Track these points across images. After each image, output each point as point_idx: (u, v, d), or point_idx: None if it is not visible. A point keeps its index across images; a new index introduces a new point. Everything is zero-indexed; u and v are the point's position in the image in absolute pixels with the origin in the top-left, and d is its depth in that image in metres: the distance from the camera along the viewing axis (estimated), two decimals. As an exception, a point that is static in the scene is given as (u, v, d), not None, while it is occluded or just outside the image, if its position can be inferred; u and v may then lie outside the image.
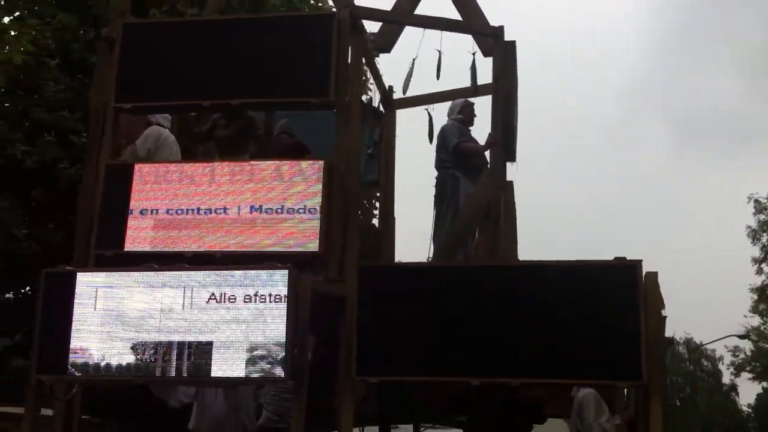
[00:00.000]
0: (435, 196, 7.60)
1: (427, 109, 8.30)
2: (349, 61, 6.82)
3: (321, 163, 6.55)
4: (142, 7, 12.71)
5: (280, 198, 6.50)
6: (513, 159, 7.79)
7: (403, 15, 7.37)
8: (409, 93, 7.94)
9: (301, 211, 6.44)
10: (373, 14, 7.02)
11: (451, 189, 7.39)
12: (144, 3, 12.90)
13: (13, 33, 5.14)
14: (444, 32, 7.25)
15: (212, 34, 6.96)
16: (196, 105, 6.97)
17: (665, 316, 6.50)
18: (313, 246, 6.36)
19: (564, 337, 5.53)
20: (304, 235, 6.41)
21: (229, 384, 6.05)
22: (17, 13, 13.53)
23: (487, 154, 7.45)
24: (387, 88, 8.42)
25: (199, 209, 6.57)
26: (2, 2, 13.19)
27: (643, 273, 5.60)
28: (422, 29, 7.27)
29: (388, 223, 8.26)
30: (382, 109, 8.03)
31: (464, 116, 7.68)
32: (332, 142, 8.13)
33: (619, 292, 5.55)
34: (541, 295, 5.66)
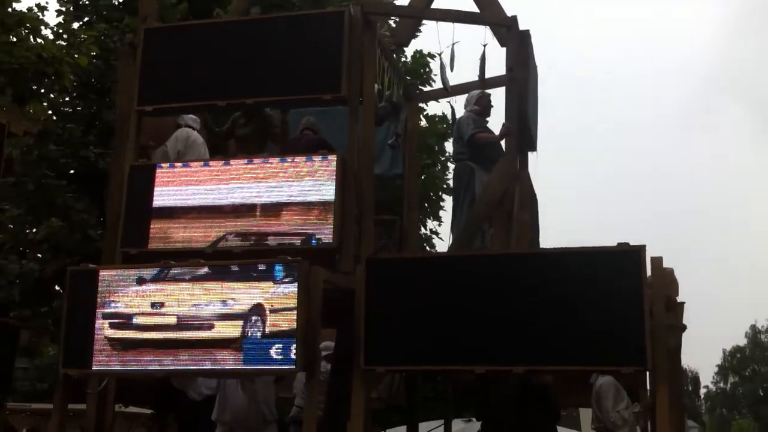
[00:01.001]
0: (453, 187, 7.70)
1: (449, 102, 8.42)
2: (363, 56, 6.98)
3: (334, 157, 6.71)
4: (207, 8, 13.11)
5: (294, 193, 6.69)
6: (533, 148, 7.86)
7: (415, 9, 7.48)
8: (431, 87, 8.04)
9: (315, 205, 6.62)
10: (385, 9, 7.12)
11: (467, 180, 7.47)
12: (208, 4, 13.31)
13: (83, 37, 5.49)
14: (466, 24, 7.35)
15: (227, 35, 7.19)
16: (213, 105, 7.19)
17: (682, 302, 6.53)
18: (328, 240, 6.54)
19: (568, 324, 5.59)
20: (319, 229, 6.59)
21: (242, 375, 6.27)
22: (86, 18, 14.14)
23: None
24: (408, 81, 8.56)
25: (216, 206, 6.80)
26: (71, 8, 13.77)
27: (648, 259, 5.62)
28: (437, 22, 7.37)
29: (411, 215, 8.38)
30: (401, 102, 8.13)
31: (480, 107, 7.76)
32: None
33: (623, 277, 5.58)
34: (545, 282, 5.73)
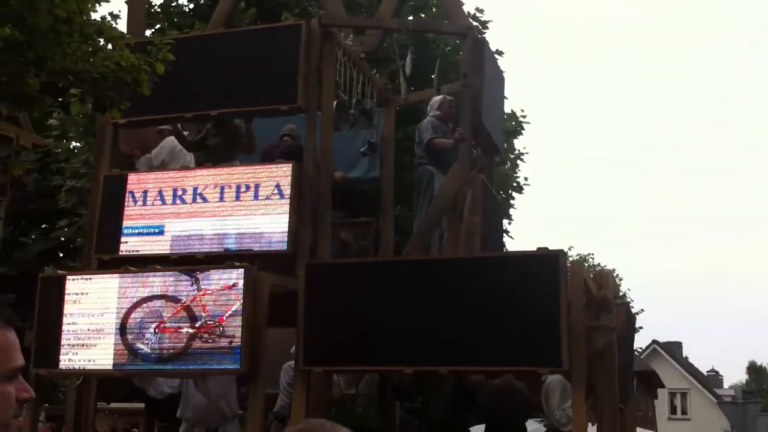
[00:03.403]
0: (414, 191, 8.07)
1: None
2: (321, 67, 7.42)
3: (289, 166, 7.17)
4: (275, 12, 13.67)
5: (253, 200, 7.17)
6: (496, 152, 8.19)
7: (373, 20, 7.88)
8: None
9: (271, 211, 7.09)
10: (343, 21, 7.53)
11: (426, 184, 7.84)
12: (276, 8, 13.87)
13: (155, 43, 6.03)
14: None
15: (193, 49, 7.68)
16: (181, 117, 7.71)
17: (624, 303, 6.80)
18: (282, 245, 7.01)
19: (491, 326, 5.94)
20: (274, 234, 7.06)
21: (189, 375, 6.80)
22: (158, 26, 14.91)
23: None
24: (384, 87, 8.94)
25: (182, 212, 7.33)
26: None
27: (567, 262, 5.93)
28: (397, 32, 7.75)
29: (386, 218, 8.78)
30: (374, 108, 8.53)
31: (442, 112, 8.10)
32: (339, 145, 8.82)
33: (542, 281, 5.89)
34: (469, 287, 6.08)
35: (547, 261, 5.93)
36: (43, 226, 18.52)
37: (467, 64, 7.46)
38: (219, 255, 7.13)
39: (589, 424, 6.93)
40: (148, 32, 14.10)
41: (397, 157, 9.42)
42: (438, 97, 8.23)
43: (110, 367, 6.66)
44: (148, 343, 6.63)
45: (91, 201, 7.88)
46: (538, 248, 6.02)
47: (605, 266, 32.59)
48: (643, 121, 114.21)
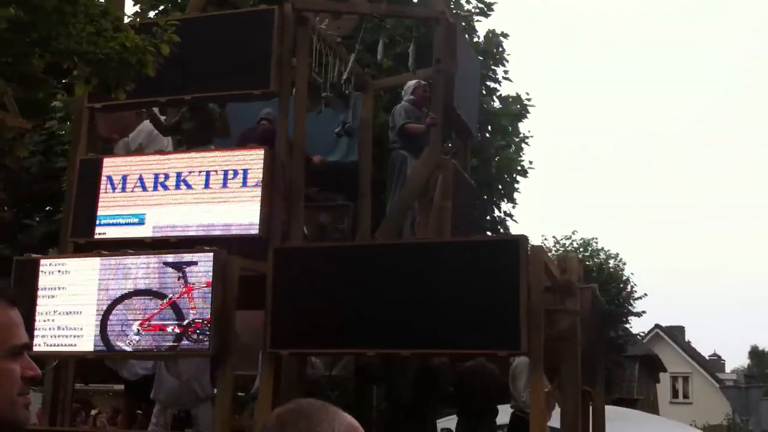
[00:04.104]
0: (388, 175, 8.20)
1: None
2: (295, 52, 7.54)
3: (261, 151, 7.31)
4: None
5: (225, 184, 7.31)
6: (469, 135, 8.31)
7: (346, 5, 7.99)
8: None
9: (244, 196, 7.23)
10: (314, 5, 7.64)
11: (399, 168, 7.97)
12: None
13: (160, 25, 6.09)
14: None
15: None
16: (155, 102, 7.84)
17: (589, 287, 6.94)
18: (255, 230, 7.15)
19: (452, 310, 6.07)
20: (246, 219, 7.20)
21: (160, 357, 6.96)
22: (161, 7, 15.02)
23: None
24: (362, 71, 9.06)
25: (155, 196, 7.47)
26: None
27: (528, 248, 6.06)
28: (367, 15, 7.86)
29: (363, 201, 8.91)
30: (351, 92, 8.64)
31: (416, 97, 8.21)
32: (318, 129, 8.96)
33: (503, 266, 6.03)
34: (432, 271, 6.22)
35: (508, 246, 6.07)
36: (48, 208, 18.68)
37: (440, 50, 7.58)
38: (193, 239, 7.28)
39: (556, 406, 7.11)
40: (151, 13, 14.24)
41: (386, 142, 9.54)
42: (412, 82, 8.34)
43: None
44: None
45: (69, 185, 8.01)
46: (501, 233, 6.14)
47: (609, 251, 32.73)
48: (647, 109, 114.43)
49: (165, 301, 6.76)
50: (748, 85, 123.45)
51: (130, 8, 15.28)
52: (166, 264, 6.84)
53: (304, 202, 9.02)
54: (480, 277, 6.07)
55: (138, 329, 6.77)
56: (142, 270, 6.90)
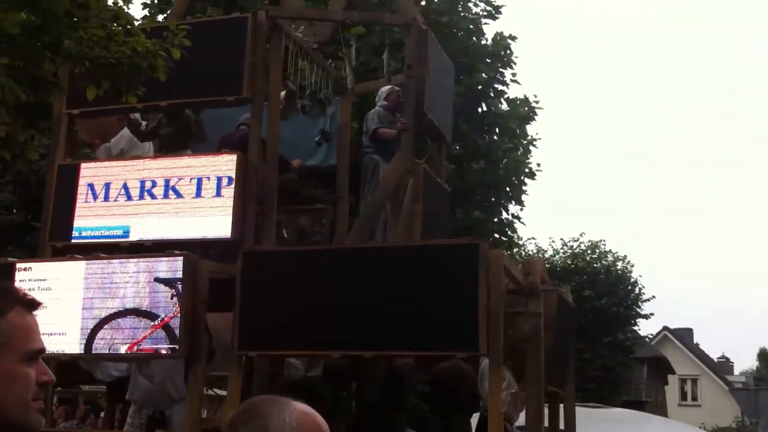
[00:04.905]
0: (361, 179, 8.41)
1: None
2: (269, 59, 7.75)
3: (234, 156, 7.54)
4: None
5: (198, 189, 7.54)
6: (443, 140, 8.52)
7: (317, 11, 8.22)
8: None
9: (217, 201, 7.46)
10: (288, 13, 7.86)
11: (371, 173, 8.18)
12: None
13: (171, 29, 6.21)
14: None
15: (143, 42, 8.01)
16: (131, 108, 8.05)
17: (554, 290, 7.14)
18: (227, 234, 7.38)
19: (414, 312, 6.27)
20: (219, 223, 7.43)
21: (132, 360, 7.19)
22: (169, 11, 15.28)
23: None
24: (340, 76, 9.27)
25: (131, 200, 7.70)
26: (156, 0, 14.78)
27: (488, 252, 6.25)
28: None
29: (340, 205, 9.13)
30: (330, 98, 8.84)
31: (389, 103, 8.42)
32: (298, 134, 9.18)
33: (463, 270, 6.23)
34: (395, 274, 6.42)
35: (468, 250, 6.27)
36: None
37: (411, 55, 7.78)
38: (167, 243, 7.50)
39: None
40: (160, 17, 14.48)
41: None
42: (386, 88, 8.55)
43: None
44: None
45: (48, 189, 8.24)
46: (462, 238, 6.34)
47: (617, 253, 32.83)
48: (652, 111, 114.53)
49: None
50: (752, 86, 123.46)
51: (138, 12, 15.60)
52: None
53: (285, 206, 9.27)
54: (441, 280, 6.27)
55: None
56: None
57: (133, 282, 6.94)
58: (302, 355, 7.01)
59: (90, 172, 7.93)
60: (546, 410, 7.86)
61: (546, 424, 7.87)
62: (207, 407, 9.93)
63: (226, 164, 7.53)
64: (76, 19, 5.79)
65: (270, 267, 6.83)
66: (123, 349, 6.87)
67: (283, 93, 8.03)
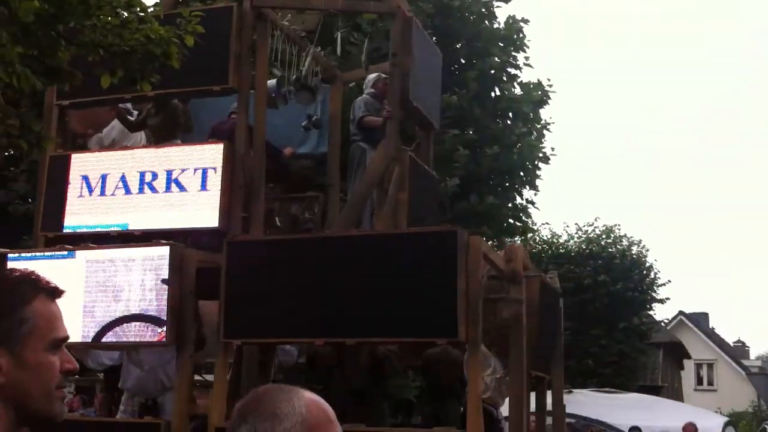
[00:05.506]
0: (348, 167, 8.54)
1: None
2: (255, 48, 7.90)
3: (220, 146, 7.69)
4: None
5: (186, 179, 7.70)
6: (431, 128, 8.64)
7: (302, 0, 8.32)
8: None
9: (203, 190, 7.62)
10: (273, 2, 7.98)
11: (358, 161, 8.32)
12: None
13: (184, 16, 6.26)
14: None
15: (130, 33, 8.16)
16: (121, 98, 8.23)
17: (536, 276, 7.25)
18: (214, 223, 7.55)
19: (395, 299, 6.40)
20: (206, 212, 7.60)
21: (120, 348, 7.38)
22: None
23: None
24: (330, 64, 9.41)
25: (118, 191, 7.87)
26: None
27: (467, 239, 6.38)
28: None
29: (331, 192, 9.27)
30: (318, 85, 8.96)
31: (377, 90, 8.54)
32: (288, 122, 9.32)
33: (442, 257, 6.35)
34: (376, 262, 6.56)
35: (447, 237, 6.39)
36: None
37: (396, 43, 7.89)
38: (156, 233, 7.67)
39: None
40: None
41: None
42: (373, 75, 8.68)
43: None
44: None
45: (41, 181, 8.42)
46: (441, 224, 6.47)
47: (632, 237, 32.81)
48: (654, 110, 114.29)
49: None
50: (755, 85, 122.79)
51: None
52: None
53: (277, 195, 9.43)
54: (421, 267, 6.40)
55: (114, 341, 7.10)
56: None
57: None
58: (286, 342, 7.17)
59: (81, 163, 8.10)
60: (534, 395, 8.02)
61: (533, 408, 8.03)
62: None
63: (212, 154, 7.68)
64: (89, 7, 5.83)
65: (254, 256, 6.98)
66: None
67: (273, 81, 8.17)
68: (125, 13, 6.15)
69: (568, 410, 15.85)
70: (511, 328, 6.80)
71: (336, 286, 6.60)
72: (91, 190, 8.01)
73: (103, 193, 7.93)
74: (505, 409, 7.52)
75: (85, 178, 8.06)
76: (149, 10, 6.85)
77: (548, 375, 7.80)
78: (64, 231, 7.97)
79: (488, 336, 7.19)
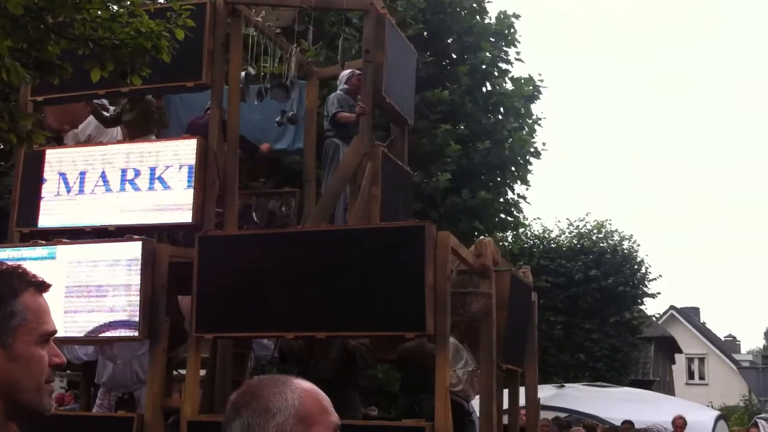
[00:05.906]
0: (322, 163, 8.63)
1: None
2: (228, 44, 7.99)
3: (194, 141, 7.78)
4: None
5: (160, 174, 7.79)
6: (404, 123, 8.74)
7: (276, -4, 8.42)
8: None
9: (177, 185, 7.71)
10: (248, -1, 8.06)
11: (332, 157, 8.41)
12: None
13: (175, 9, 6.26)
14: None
15: (105, 29, 8.25)
16: (94, 94, 8.30)
17: (506, 270, 7.36)
18: (188, 218, 7.64)
19: (363, 294, 6.50)
20: (180, 208, 7.68)
21: (92, 342, 7.47)
22: None
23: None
24: (306, 60, 9.50)
25: (95, 188, 7.96)
26: None
27: (435, 234, 6.48)
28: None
29: (308, 188, 9.37)
30: (294, 81, 9.06)
31: (350, 86, 8.63)
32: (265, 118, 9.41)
33: (410, 251, 6.45)
34: (345, 256, 6.66)
35: (414, 232, 6.49)
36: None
37: (369, 40, 7.98)
38: (131, 228, 7.76)
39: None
40: None
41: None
42: (347, 71, 8.76)
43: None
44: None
45: (16, 177, 8.51)
46: (409, 220, 6.57)
47: (623, 232, 32.94)
48: (646, 105, 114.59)
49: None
50: (750, 83, 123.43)
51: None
52: None
53: (254, 190, 9.52)
54: (389, 262, 6.50)
55: (86, 336, 7.18)
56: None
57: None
58: (257, 336, 7.27)
59: (56, 159, 8.18)
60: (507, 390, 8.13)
61: (506, 402, 8.15)
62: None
63: (185, 150, 7.77)
64: (79, 0, 5.85)
65: (225, 251, 7.07)
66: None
67: (242, 73, 8.26)
68: (115, 7, 6.17)
69: (560, 404, 16.11)
70: (481, 321, 6.90)
71: (306, 281, 6.70)
72: (68, 189, 8.08)
73: (81, 191, 8.00)
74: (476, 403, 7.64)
75: (63, 176, 8.15)
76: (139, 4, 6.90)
77: (521, 368, 7.91)
78: (39, 227, 8.05)
79: (459, 329, 7.32)
